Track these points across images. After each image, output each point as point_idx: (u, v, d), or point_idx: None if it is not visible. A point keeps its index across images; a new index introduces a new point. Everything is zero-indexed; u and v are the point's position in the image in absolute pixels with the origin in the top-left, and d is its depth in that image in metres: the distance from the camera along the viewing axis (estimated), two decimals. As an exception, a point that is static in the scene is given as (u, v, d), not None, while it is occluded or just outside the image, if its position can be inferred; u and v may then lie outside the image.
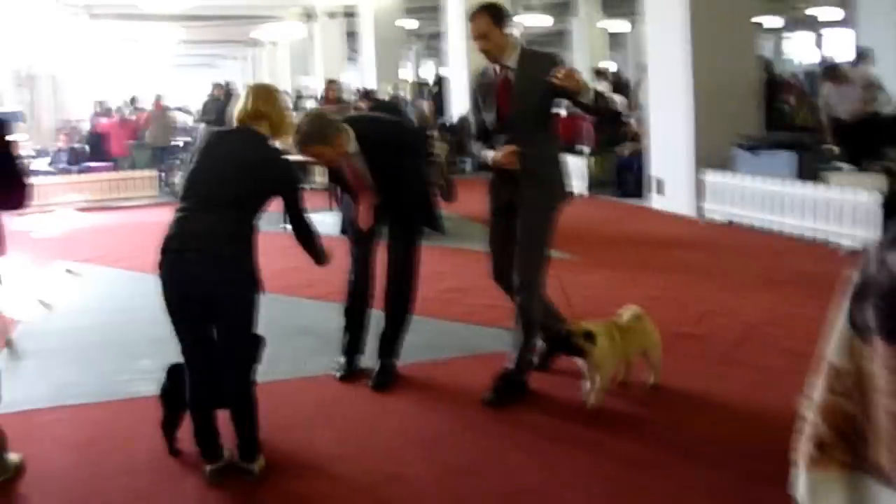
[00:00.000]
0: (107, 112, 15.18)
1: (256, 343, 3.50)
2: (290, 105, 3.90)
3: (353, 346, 4.77)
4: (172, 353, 3.58)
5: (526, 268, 4.18)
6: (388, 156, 4.51)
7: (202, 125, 14.78)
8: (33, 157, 13.43)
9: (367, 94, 9.58)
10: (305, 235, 3.72)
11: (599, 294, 6.07)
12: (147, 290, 5.38)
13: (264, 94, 3.70)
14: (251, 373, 3.49)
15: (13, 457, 3.62)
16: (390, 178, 4.56)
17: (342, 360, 4.76)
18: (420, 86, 16.75)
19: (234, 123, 3.63)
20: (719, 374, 4.48)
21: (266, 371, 4.74)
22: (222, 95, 14.50)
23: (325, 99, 12.07)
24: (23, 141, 12.54)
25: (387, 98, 15.87)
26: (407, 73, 31.24)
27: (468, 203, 10.39)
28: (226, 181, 3.41)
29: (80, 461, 3.76)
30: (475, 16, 4.17)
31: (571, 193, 4.49)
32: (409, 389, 4.54)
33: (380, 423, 4.09)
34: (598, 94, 4.13)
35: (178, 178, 14.73)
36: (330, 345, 5.25)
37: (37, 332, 5.92)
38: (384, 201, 4.60)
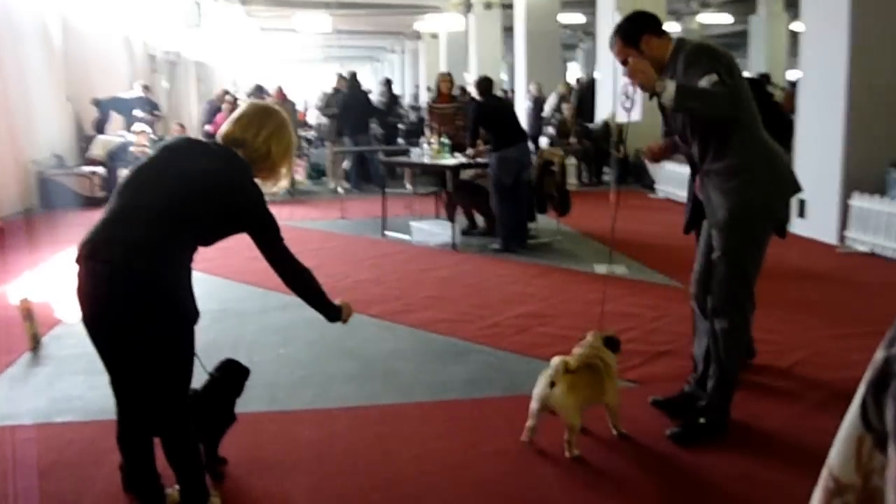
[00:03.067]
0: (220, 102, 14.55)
1: (187, 374, 3.09)
2: (291, 139, 3.22)
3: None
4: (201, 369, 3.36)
5: (716, 295, 3.89)
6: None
7: (325, 120, 14.83)
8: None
9: (482, 86, 9.07)
10: (302, 283, 3.24)
11: (688, 331, 5.04)
12: (208, 296, 5.26)
13: (249, 119, 3.18)
14: (179, 405, 3.10)
15: None
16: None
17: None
18: (569, 87, 16.17)
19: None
20: (787, 439, 3.90)
21: (275, 398, 4.60)
22: (345, 88, 14.10)
23: (439, 93, 11.47)
24: (140, 132, 13.02)
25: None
26: (573, 74, 30.69)
27: (591, 218, 9.99)
28: (173, 189, 2.95)
29: (29, 486, 3.68)
30: (611, 44, 3.93)
31: (773, 209, 3.90)
32: (426, 432, 4.18)
33: (371, 470, 3.76)
34: (687, 93, 3.54)
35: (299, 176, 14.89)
36: (371, 372, 5.06)
37: (73, 335, 5.78)
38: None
